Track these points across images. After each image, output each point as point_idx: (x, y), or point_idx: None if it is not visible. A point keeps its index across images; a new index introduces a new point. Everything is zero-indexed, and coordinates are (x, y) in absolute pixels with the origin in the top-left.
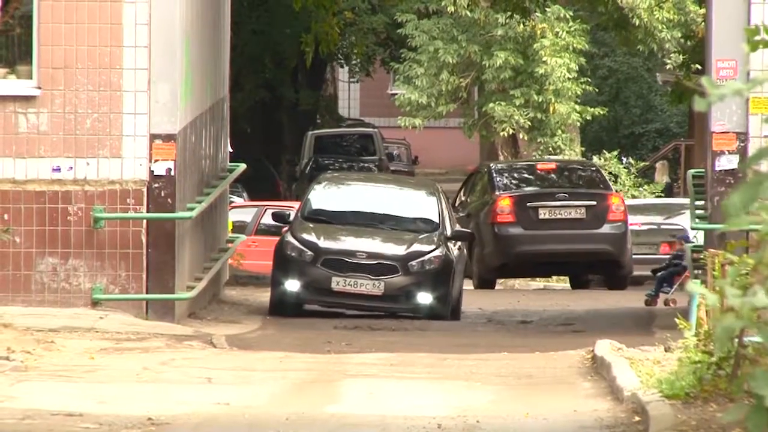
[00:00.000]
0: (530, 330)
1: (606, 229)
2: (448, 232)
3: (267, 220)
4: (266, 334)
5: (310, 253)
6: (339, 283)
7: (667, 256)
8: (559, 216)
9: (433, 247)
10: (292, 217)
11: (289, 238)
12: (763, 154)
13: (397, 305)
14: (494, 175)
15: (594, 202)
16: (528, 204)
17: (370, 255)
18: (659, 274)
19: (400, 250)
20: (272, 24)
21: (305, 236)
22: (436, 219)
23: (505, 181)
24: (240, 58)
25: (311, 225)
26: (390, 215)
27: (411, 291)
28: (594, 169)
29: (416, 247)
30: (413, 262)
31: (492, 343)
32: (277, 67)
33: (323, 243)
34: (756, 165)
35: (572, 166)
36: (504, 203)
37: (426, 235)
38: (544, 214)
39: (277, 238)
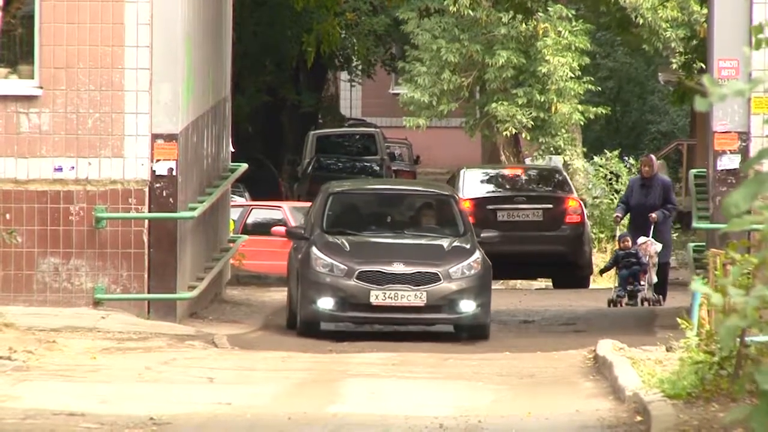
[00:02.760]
0: (532, 330)
1: (562, 231)
2: (475, 235)
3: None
4: (268, 334)
5: (342, 266)
6: (378, 296)
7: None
8: (517, 218)
9: (471, 249)
10: (306, 233)
11: (316, 253)
12: (764, 154)
13: (440, 315)
14: (463, 178)
15: (551, 205)
16: (488, 206)
17: (409, 263)
18: (621, 272)
19: (439, 256)
20: (273, 25)
21: (334, 249)
22: (460, 221)
23: (471, 184)
24: (241, 60)
25: (337, 237)
26: (413, 221)
27: (454, 299)
28: (558, 174)
29: (455, 251)
30: (455, 268)
31: (494, 343)
32: (278, 68)
33: (356, 255)
34: (757, 165)
35: (538, 171)
36: (464, 205)
37: (460, 238)
38: (502, 216)
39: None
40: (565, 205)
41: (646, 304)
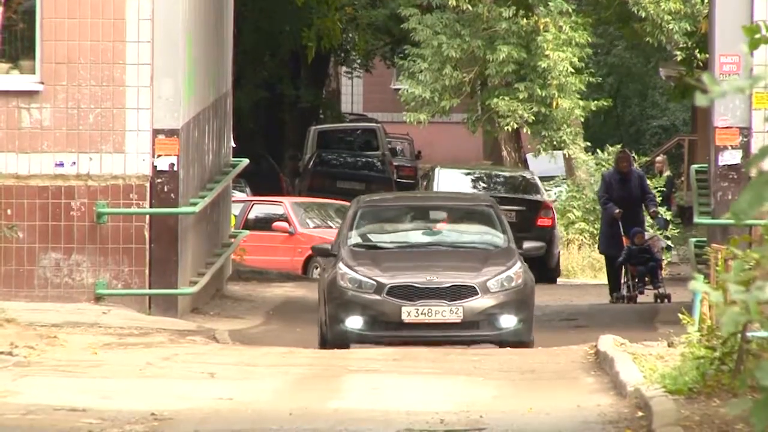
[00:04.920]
0: (533, 325)
1: (534, 233)
2: (517, 247)
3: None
4: (269, 329)
5: (371, 282)
6: (410, 313)
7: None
8: None
9: (512, 262)
10: (334, 249)
11: (343, 269)
12: (766, 152)
13: (478, 332)
14: (438, 177)
15: (524, 207)
16: None
17: (443, 277)
18: (639, 269)
19: (476, 268)
20: (273, 19)
21: (362, 264)
22: (500, 234)
23: (446, 184)
24: (241, 55)
25: (366, 251)
26: (450, 233)
27: (494, 314)
28: (531, 179)
29: (493, 263)
30: (493, 281)
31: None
32: (277, 64)
33: (386, 269)
34: (759, 164)
35: (511, 174)
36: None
37: (500, 249)
38: None
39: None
40: (537, 208)
41: (665, 300)
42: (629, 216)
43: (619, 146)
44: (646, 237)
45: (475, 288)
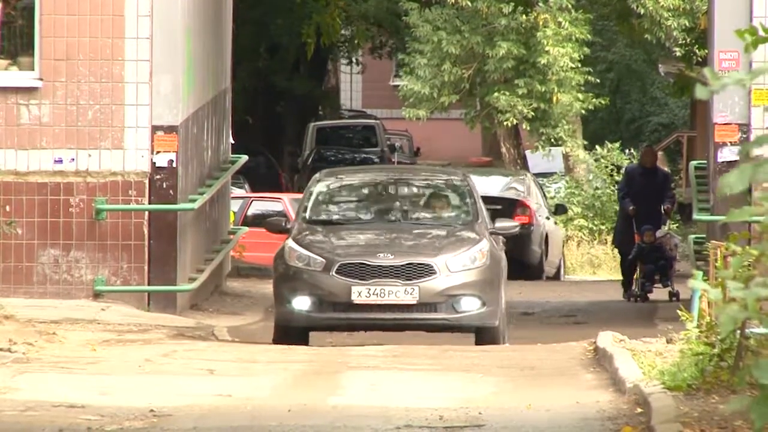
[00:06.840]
0: (532, 321)
1: None
2: (489, 225)
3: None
4: (268, 325)
5: (320, 259)
6: (360, 293)
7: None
8: None
9: (476, 239)
10: (290, 224)
11: (292, 245)
12: (763, 140)
13: (436, 315)
14: None
15: (499, 207)
16: None
17: (398, 254)
18: (648, 267)
19: (435, 245)
20: (270, 15)
21: (312, 240)
22: (470, 210)
23: None
24: (239, 50)
25: (318, 227)
26: (415, 210)
27: (454, 296)
28: (515, 179)
29: (457, 240)
30: (455, 260)
31: None
32: (272, 57)
33: (336, 245)
34: (757, 151)
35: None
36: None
37: (466, 226)
38: None
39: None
40: (513, 206)
41: (674, 299)
42: (645, 213)
43: (618, 143)
44: (659, 235)
45: (432, 267)
